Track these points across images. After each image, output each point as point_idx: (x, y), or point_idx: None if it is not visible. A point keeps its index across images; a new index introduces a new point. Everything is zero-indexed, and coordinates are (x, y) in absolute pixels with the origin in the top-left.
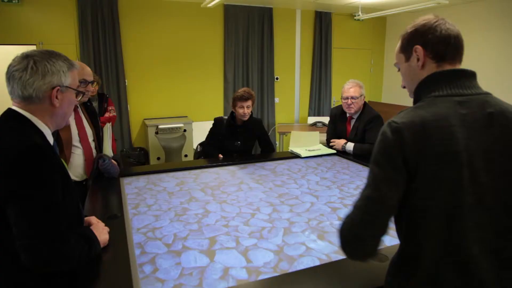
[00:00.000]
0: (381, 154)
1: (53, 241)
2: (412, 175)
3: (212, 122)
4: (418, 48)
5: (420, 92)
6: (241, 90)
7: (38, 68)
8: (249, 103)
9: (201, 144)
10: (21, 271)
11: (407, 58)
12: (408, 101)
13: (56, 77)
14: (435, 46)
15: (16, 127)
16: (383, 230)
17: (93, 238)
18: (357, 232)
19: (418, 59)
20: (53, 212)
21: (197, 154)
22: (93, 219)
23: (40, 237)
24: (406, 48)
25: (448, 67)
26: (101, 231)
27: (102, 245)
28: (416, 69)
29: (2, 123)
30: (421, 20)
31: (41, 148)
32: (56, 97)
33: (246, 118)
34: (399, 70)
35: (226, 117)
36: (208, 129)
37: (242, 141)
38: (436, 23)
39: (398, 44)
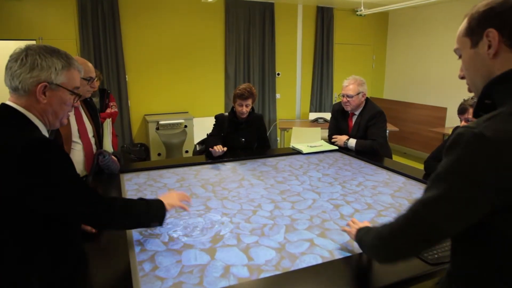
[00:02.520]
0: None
1: (92, 202)
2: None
3: (213, 118)
4: (492, 32)
5: (497, 92)
6: (242, 88)
7: (28, 61)
8: (249, 101)
9: (199, 143)
10: (20, 265)
11: (474, 44)
12: (410, 98)
13: (45, 73)
14: None
15: (14, 122)
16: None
17: (151, 201)
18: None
19: (489, 46)
20: (76, 185)
21: (197, 153)
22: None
23: (81, 206)
24: (475, 30)
25: None
26: (171, 197)
27: (169, 208)
28: (485, 59)
29: None
30: None
31: (48, 141)
32: (44, 94)
33: (244, 116)
34: (460, 57)
35: (226, 114)
36: (209, 125)
37: (246, 137)
38: None
39: (462, 26)
